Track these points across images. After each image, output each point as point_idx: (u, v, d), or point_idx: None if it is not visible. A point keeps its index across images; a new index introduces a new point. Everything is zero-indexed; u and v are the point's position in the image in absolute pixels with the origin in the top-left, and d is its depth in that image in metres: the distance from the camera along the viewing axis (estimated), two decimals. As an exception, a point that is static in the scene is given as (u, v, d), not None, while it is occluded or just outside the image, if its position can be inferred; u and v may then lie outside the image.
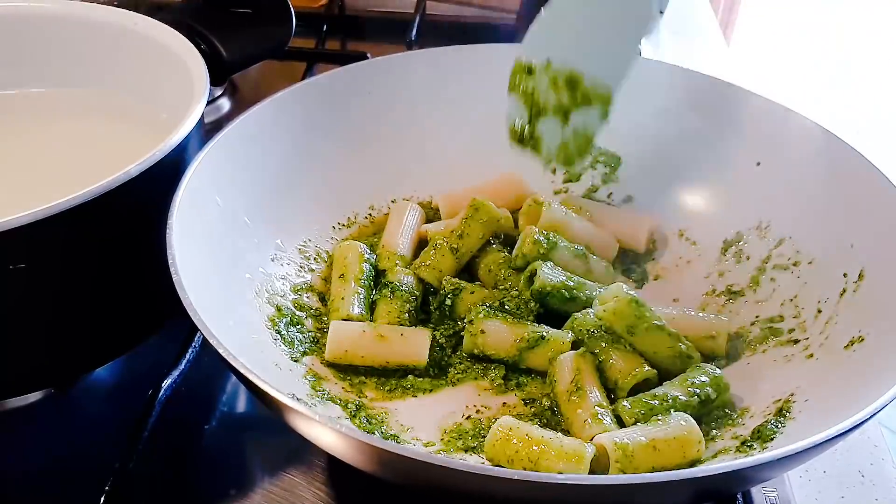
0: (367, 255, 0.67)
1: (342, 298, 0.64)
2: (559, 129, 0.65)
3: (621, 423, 0.56)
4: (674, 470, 0.48)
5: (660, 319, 0.60)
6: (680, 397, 0.57)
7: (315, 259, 0.69)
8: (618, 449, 0.51)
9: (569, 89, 0.64)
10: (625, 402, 0.57)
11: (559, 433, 0.55)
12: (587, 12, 0.65)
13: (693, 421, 0.54)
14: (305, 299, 0.66)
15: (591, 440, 0.54)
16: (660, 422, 0.54)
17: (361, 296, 0.64)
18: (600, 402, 0.57)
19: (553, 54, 0.64)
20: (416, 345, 0.61)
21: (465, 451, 0.56)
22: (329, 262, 0.69)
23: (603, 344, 0.60)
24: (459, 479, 0.41)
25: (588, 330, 0.61)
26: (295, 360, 0.60)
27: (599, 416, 0.56)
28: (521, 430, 0.54)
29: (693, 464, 0.53)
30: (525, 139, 0.65)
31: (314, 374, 0.60)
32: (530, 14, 0.65)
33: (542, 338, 0.61)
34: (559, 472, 0.51)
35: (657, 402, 0.56)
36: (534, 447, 0.52)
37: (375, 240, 0.71)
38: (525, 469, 0.52)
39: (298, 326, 0.63)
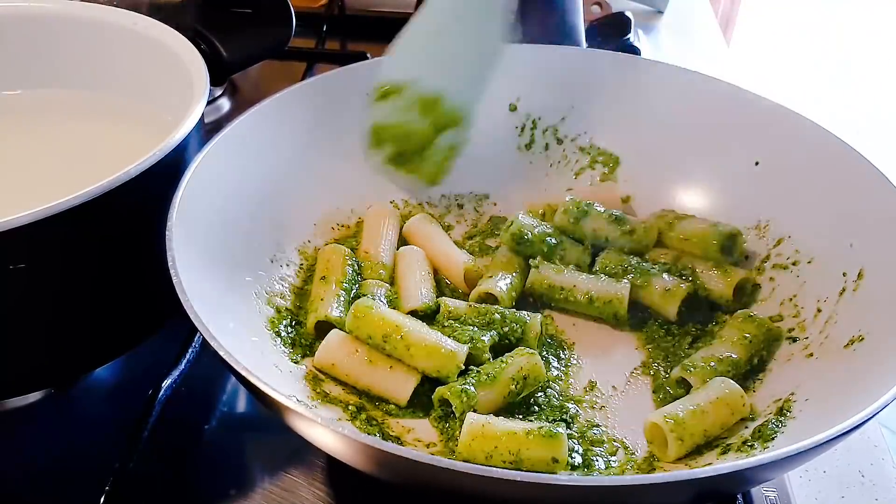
0: (350, 260, 0.66)
1: (321, 299, 0.63)
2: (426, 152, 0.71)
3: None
4: (724, 430, 0.55)
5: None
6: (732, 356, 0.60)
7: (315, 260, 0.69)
8: (668, 419, 0.54)
9: (428, 112, 0.69)
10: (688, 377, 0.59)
11: (530, 421, 0.55)
12: (444, 38, 0.70)
13: (732, 382, 0.57)
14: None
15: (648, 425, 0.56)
16: (700, 390, 0.57)
17: (342, 298, 0.63)
18: None
19: (412, 77, 0.69)
20: (400, 385, 0.59)
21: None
22: (308, 266, 0.68)
23: (640, 274, 0.65)
24: (460, 481, 0.41)
25: (621, 266, 0.67)
26: (295, 362, 0.60)
27: None
28: (493, 425, 0.53)
29: (742, 421, 0.56)
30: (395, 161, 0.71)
31: (314, 375, 0.59)
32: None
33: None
34: (542, 462, 0.52)
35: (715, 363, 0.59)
36: (511, 442, 0.52)
37: (355, 242, 0.70)
38: (506, 462, 0.52)
39: (298, 328, 0.63)
